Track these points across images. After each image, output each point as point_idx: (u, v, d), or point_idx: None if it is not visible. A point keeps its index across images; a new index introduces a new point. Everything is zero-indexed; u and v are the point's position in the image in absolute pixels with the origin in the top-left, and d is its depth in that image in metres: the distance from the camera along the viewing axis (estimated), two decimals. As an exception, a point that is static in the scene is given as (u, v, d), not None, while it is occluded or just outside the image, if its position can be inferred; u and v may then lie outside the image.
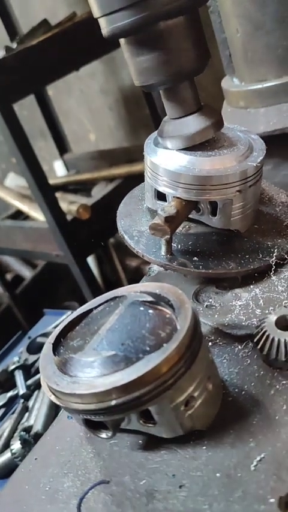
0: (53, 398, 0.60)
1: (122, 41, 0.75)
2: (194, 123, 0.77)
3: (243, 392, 0.64)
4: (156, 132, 0.86)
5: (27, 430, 1.28)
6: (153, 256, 0.79)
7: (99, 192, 2.66)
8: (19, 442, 1.24)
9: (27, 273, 3.30)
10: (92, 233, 2.39)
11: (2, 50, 2.19)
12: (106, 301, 0.68)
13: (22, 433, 1.26)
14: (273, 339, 0.63)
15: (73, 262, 2.36)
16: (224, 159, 0.78)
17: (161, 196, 0.83)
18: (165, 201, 0.81)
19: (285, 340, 0.63)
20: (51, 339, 0.65)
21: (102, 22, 0.72)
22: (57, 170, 3.62)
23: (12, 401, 1.50)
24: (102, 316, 0.65)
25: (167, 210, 0.75)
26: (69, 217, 2.33)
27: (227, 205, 0.78)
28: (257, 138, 0.83)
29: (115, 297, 0.68)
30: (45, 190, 2.19)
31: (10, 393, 1.53)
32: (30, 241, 2.57)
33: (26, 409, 1.40)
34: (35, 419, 1.32)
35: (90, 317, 0.67)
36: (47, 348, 0.64)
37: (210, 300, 0.79)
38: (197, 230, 0.83)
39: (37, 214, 2.63)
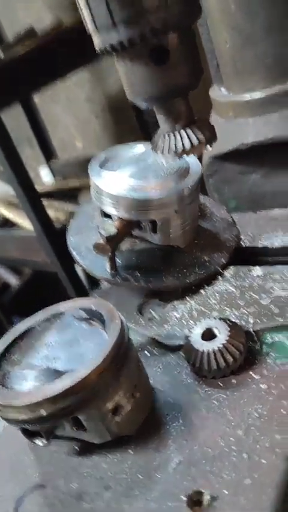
0: (-8, 409, 0.65)
1: (115, 56, 0.75)
2: (188, 138, 0.77)
3: (170, 399, 0.69)
4: (101, 153, 0.92)
5: None
6: (98, 271, 0.84)
7: (87, 198, 2.68)
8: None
9: (14, 281, 3.32)
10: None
11: (-13, 60, 2.19)
12: (48, 318, 0.73)
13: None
14: (197, 350, 0.69)
15: (61, 270, 2.38)
16: (161, 181, 0.83)
17: (107, 214, 0.88)
18: (111, 218, 0.86)
19: (207, 350, 0.68)
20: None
21: (95, 37, 0.72)
22: (44, 177, 3.65)
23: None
24: (42, 332, 0.71)
25: (108, 230, 0.80)
26: (57, 225, 2.34)
27: (165, 223, 0.83)
28: (194, 160, 0.88)
29: (55, 314, 0.73)
30: (32, 198, 2.19)
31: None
32: (19, 249, 2.59)
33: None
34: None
35: (32, 332, 0.72)
36: (-10, 361, 0.69)
37: (152, 312, 0.84)
38: (142, 246, 0.89)
39: (24, 221, 2.66)
